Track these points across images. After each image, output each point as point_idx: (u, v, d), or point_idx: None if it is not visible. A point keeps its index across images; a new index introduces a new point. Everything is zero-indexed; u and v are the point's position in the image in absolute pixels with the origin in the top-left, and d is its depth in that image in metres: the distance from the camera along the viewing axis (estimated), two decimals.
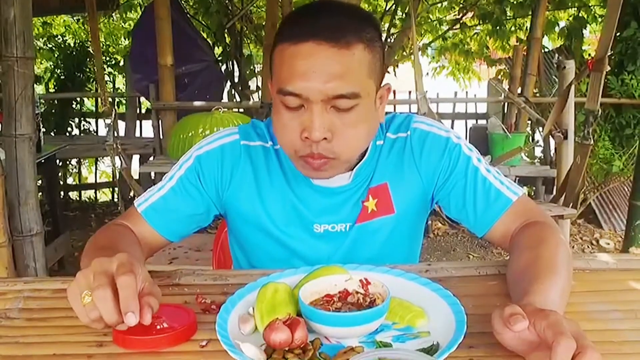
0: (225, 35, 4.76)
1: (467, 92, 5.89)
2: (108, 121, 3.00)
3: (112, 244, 0.94)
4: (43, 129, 3.38)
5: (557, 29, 4.94)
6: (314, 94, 0.90)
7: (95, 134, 5.55)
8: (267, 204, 1.07)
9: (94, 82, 5.58)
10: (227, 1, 4.73)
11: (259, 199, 1.07)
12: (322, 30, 0.90)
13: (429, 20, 5.48)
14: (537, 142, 4.27)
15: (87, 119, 5.62)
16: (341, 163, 0.98)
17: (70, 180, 5.56)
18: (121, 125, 5.14)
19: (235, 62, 4.81)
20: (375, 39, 0.95)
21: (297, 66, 0.90)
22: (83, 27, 6.16)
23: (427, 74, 5.91)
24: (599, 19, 4.79)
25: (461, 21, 5.27)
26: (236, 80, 4.83)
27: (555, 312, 0.69)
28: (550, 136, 3.07)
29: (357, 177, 1.06)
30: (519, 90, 4.20)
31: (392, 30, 4.96)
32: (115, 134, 3.00)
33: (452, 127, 5.07)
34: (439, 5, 5.34)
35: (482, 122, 4.95)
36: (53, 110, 5.33)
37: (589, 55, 4.73)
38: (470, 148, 1.09)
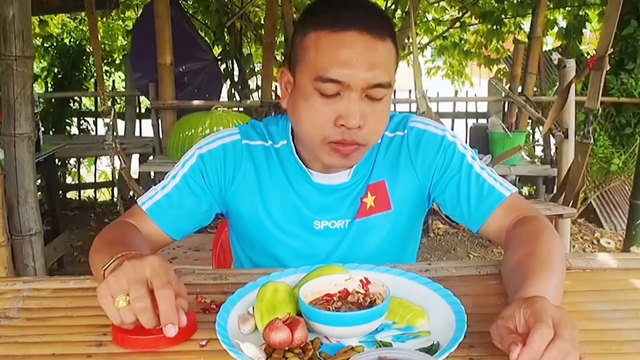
0: (225, 34, 4.75)
1: (467, 91, 5.89)
2: (107, 120, 2.98)
3: (124, 240, 0.94)
4: (42, 128, 3.37)
5: (555, 29, 4.94)
6: (356, 82, 0.92)
7: (94, 133, 5.55)
8: (267, 202, 1.08)
9: (91, 81, 5.58)
10: (226, 0, 4.72)
11: (260, 197, 1.08)
12: (363, 21, 0.93)
13: (425, 20, 5.48)
14: (537, 141, 4.26)
15: (86, 118, 5.61)
16: (367, 150, 1.01)
17: (69, 180, 5.55)
18: (120, 124, 5.13)
19: (234, 61, 4.81)
20: (395, 35, 0.99)
21: (340, 54, 0.92)
22: (80, 26, 6.13)
23: (427, 72, 5.92)
24: (594, 19, 4.79)
25: (461, 20, 5.26)
26: (236, 79, 4.82)
27: (543, 298, 0.70)
28: (550, 135, 3.06)
29: (356, 174, 1.08)
30: (520, 89, 4.20)
31: None
32: (115, 134, 2.99)
33: (452, 126, 5.07)
34: (436, 5, 5.33)
35: (482, 121, 4.94)
36: (51, 110, 5.33)
37: (588, 53, 4.72)
38: (465, 147, 1.11)
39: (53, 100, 5.40)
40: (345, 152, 0.97)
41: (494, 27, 5.00)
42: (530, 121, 4.38)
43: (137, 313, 0.72)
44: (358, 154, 1.00)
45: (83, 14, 5.48)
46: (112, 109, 3.12)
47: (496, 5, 4.90)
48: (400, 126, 1.11)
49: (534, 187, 4.24)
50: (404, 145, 1.10)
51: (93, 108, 5.65)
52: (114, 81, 6.27)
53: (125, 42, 6.08)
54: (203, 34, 4.84)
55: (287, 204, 1.08)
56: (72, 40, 5.92)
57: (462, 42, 5.64)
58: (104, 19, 5.91)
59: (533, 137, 4.53)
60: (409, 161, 1.09)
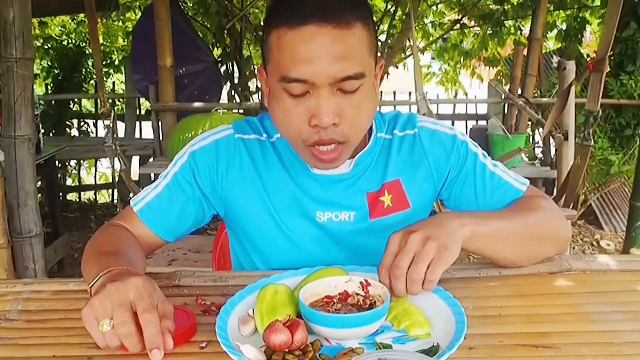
0: (225, 36, 4.75)
1: (467, 93, 5.90)
2: (107, 122, 2.98)
3: (116, 250, 0.93)
4: (42, 130, 3.37)
5: (553, 32, 4.94)
6: (321, 78, 0.87)
7: (94, 135, 5.55)
8: (267, 195, 1.06)
9: (91, 83, 5.58)
10: (226, 2, 4.72)
11: (259, 190, 1.06)
12: (321, 11, 0.87)
13: (422, 23, 5.48)
14: (537, 142, 4.26)
15: (86, 120, 5.61)
16: (351, 146, 0.97)
17: (69, 182, 5.55)
18: (120, 126, 5.14)
19: (234, 63, 4.81)
20: (369, 15, 0.94)
21: (299, 51, 0.87)
22: (80, 28, 6.14)
23: (424, 77, 5.94)
24: (594, 23, 4.79)
25: (461, 22, 5.27)
26: (236, 81, 4.82)
27: (421, 223, 0.85)
28: (550, 137, 3.06)
29: (358, 165, 1.06)
30: (519, 91, 4.20)
31: (392, 32, 4.95)
32: (115, 135, 2.99)
33: None
34: (434, 8, 5.33)
35: (482, 123, 4.95)
36: (51, 112, 5.33)
37: (587, 55, 4.72)
38: (475, 145, 1.11)
39: (53, 102, 5.40)
40: (327, 160, 0.95)
41: (494, 29, 5.00)
42: (530, 123, 4.39)
43: (122, 338, 0.72)
44: (341, 155, 0.96)
45: (83, 15, 5.49)
46: (112, 111, 3.12)
47: (495, 8, 4.90)
48: (409, 125, 1.10)
49: None
50: (417, 143, 1.08)
51: (93, 110, 5.66)
52: (113, 83, 6.27)
53: (125, 43, 6.08)
54: (203, 36, 4.85)
55: (287, 195, 1.05)
56: (71, 41, 5.92)
57: (461, 44, 5.65)
58: (104, 20, 5.92)
59: (533, 139, 4.53)
60: (424, 158, 1.08)
